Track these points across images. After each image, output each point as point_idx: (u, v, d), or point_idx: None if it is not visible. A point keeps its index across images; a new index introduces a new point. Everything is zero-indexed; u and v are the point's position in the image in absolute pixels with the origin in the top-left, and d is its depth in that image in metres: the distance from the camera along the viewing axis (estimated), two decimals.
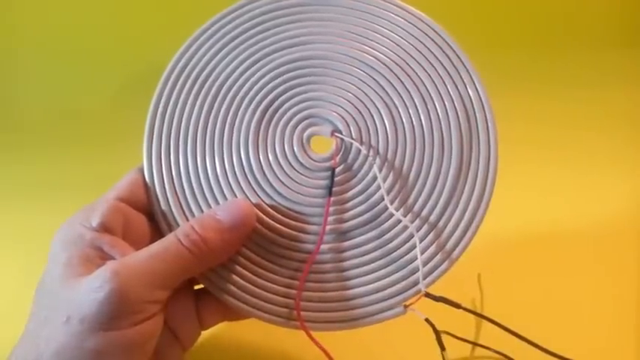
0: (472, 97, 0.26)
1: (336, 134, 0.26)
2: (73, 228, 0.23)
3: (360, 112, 0.26)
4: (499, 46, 0.62)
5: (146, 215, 0.25)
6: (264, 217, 0.25)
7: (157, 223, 0.25)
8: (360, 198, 0.25)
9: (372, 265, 0.25)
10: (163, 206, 0.25)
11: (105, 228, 0.23)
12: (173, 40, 0.28)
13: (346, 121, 0.26)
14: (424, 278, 0.24)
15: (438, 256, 0.24)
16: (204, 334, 0.26)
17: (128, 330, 0.21)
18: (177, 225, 0.25)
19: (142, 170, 0.26)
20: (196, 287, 0.26)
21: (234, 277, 0.24)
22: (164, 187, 0.25)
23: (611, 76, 0.58)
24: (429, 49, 0.26)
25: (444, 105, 0.26)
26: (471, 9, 0.66)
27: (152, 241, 0.24)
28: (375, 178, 0.25)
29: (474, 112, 0.26)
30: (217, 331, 0.29)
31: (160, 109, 0.26)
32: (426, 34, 0.26)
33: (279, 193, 0.25)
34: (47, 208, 0.41)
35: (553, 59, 0.61)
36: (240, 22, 0.27)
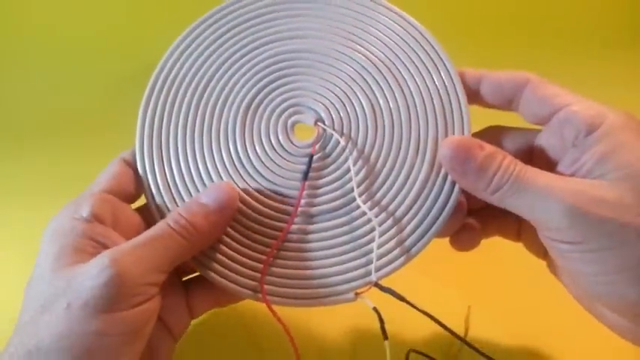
0: (452, 104, 0.26)
1: (319, 124, 0.27)
2: (63, 221, 0.24)
3: (344, 105, 0.27)
4: (497, 46, 0.62)
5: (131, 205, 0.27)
6: (245, 196, 0.27)
7: (143, 213, 0.27)
8: (333, 185, 0.27)
9: (335, 250, 0.26)
10: (157, 199, 0.27)
11: (96, 218, 0.24)
12: (168, 37, 0.29)
13: (330, 112, 0.27)
14: (377, 270, 0.25)
15: (396, 251, 0.25)
16: (193, 324, 0.28)
17: (128, 312, 0.21)
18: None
19: (122, 161, 0.27)
20: (184, 278, 0.28)
21: (212, 250, 0.26)
22: (157, 180, 0.27)
23: (610, 76, 0.56)
24: (417, 53, 0.27)
25: (424, 106, 0.26)
26: (469, 8, 0.65)
27: (140, 230, 0.25)
28: (349, 169, 0.26)
29: (452, 118, 0.26)
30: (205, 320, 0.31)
31: (152, 102, 0.28)
32: (417, 40, 0.27)
33: (261, 174, 0.27)
34: (45, 207, 0.39)
35: (552, 59, 0.58)
36: (235, 17, 0.29)
